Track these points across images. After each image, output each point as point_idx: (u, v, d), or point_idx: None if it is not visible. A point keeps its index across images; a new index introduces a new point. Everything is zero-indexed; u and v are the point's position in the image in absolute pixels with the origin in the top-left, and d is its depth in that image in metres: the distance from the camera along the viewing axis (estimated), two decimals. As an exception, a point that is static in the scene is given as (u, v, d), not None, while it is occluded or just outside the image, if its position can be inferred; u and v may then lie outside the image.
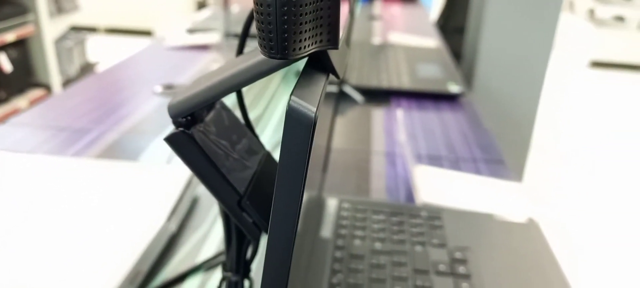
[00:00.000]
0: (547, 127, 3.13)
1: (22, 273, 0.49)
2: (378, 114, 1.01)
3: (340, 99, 1.07)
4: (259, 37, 0.19)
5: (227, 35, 1.48)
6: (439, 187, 0.73)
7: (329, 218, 0.63)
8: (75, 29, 3.51)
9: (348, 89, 1.08)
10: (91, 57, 3.61)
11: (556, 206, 2.29)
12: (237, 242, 0.31)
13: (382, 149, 0.86)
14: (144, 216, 0.59)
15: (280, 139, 0.77)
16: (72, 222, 0.57)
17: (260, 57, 0.21)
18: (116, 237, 0.55)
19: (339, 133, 0.92)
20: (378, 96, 1.10)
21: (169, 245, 0.60)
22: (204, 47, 1.41)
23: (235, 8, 1.73)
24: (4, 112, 2.64)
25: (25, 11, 2.79)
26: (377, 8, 2.13)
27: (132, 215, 0.59)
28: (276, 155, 0.75)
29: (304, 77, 0.21)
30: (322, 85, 0.21)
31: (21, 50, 2.83)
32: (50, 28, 2.99)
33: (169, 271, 0.55)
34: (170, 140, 0.25)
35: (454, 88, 1.10)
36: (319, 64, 0.23)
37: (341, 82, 1.08)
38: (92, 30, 5.04)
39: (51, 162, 0.70)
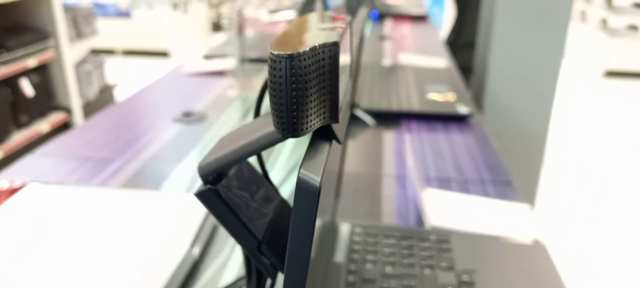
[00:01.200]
0: (559, 144, 3.12)
1: (59, 301, 0.53)
2: (389, 137, 1.04)
3: (352, 122, 1.10)
4: (273, 117, 0.23)
5: (242, 60, 1.53)
6: (447, 210, 0.76)
7: (342, 243, 0.66)
8: (94, 52, 3.61)
9: (359, 113, 1.12)
10: (109, 79, 3.70)
11: (567, 228, 2.28)
12: (257, 277, 0.35)
13: (392, 172, 0.89)
14: (168, 243, 0.63)
15: (292, 169, 0.81)
16: (99, 251, 0.61)
17: (272, 127, 0.25)
18: (142, 264, 0.59)
19: (350, 157, 0.95)
20: (389, 118, 1.13)
21: (191, 271, 0.63)
22: (220, 73, 1.46)
23: (249, 33, 1.79)
24: (27, 136, 2.73)
25: (46, 37, 2.89)
26: (388, 27, 2.17)
27: (157, 243, 0.63)
28: (285, 192, 0.78)
29: (311, 149, 0.25)
30: (326, 153, 0.24)
31: (42, 74, 2.92)
32: (70, 52, 3.08)
33: (192, 296, 0.59)
34: (200, 196, 0.29)
35: (462, 109, 1.12)
36: (324, 134, 0.27)
37: (352, 105, 1.11)
38: (110, 52, 5.16)
39: (79, 193, 0.74)
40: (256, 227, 0.31)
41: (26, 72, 2.77)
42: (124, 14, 5.05)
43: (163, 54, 5.15)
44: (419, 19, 2.37)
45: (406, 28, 2.19)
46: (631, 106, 3.81)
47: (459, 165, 0.91)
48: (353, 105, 1.11)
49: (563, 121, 3.40)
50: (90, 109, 3.30)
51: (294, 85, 0.22)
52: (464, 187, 0.84)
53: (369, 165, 0.92)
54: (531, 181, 1.79)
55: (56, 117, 2.98)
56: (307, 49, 0.23)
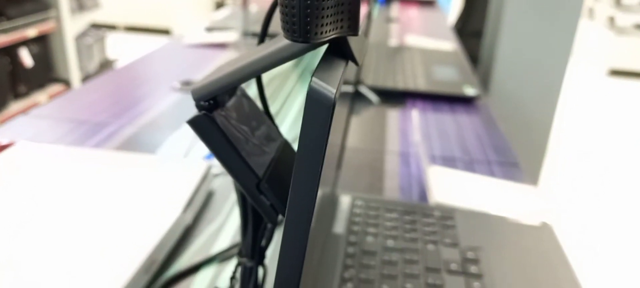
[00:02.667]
0: (564, 133, 3.10)
1: (39, 260, 0.50)
2: (393, 115, 1.01)
3: (356, 99, 1.07)
4: (282, 21, 0.20)
5: (245, 33, 1.49)
6: (452, 188, 0.73)
7: (342, 214, 0.64)
8: (96, 26, 3.57)
9: (364, 90, 1.08)
10: (110, 54, 3.66)
11: (571, 210, 2.27)
12: (253, 228, 0.32)
13: (396, 149, 0.86)
14: (160, 207, 0.60)
15: (297, 135, 0.78)
16: (89, 211, 0.58)
17: (283, 42, 0.22)
18: (133, 226, 0.56)
19: (354, 132, 0.92)
20: (394, 97, 1.10)
21: (184, 237, 0.61)
22: (222, 46, 1.42)
23: (253, 7, 1.75)
24: (25, 106, 2.69)
25: (47, 7, 2.85)
26: (395, 10, 2.13)
27: (149, 206, 0.60)
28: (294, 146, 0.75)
29: (325, 62, 0.22)
30: (342, 70, 0.21)
31: (42, 45, 2.88)
32: (71, 24, 3.04)
33: (183, 261, 0.56)
34: (194, 122, 0.26)
35: (469, 91, 1.09)
36: (339, 51, 0.23)
37: (357, 82, 1.08)
38: (112, 27, 5.11)
39: (70, 153, 0.71)
40: (256, 163, 0.28)
41: (26, 42, 2.73)
42: (128, -10, 4.99)
43: (165, 32, 5.10)
44: (426, 3, 2.33)
45: (413, 12, 2.15)
46: (635, 107, 3.78)
47: (464, 146, 0.88)
48: (358, 82, 1.08)
49: (567, 112, 3.38)
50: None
51: None
52: (470, 166, 0.81)
53: (372, 141, 0.89)
54: (534, 168, 1.76)
55: (55, 89, 2.94)
56: None
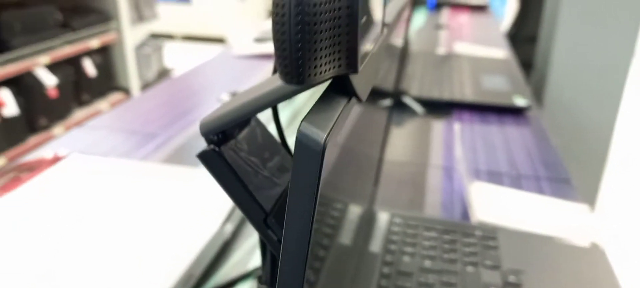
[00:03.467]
0: (626, 146, 2.92)
1: (79, 271, 0.52)
2: (438, 127, 0.99)
3: (400, 110, 1.06)
4: (276, 62, 0.20)
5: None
6: (496, 206, 0.71)
7: (379, 232, 0.63)
8: (154, 36, 3.71)
9: (408, 100, 1.07)
10: (167, 63, 3.80)
11: (631, 233, 2.13)
12: (272, 256, 0.32)
13: (439, 163, 0.84)
14: (200, 221, 0.61)
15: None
16: (130, 224, 0.60)
17: (280, 81, 0.22)
18: (172, 240, 0.58)
19: (396, 145, 0.91)
20: (439, 108, 1.08)
21: (222, 251, 0.62)
22: (270, 56, 1.44)
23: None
24: (87, 114, 2.84)
25: (108, 19, 2.99)
26: (444, 17, 2.09)
27: (189, 220, 0.61)
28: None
29: (322, 102, 0.21)
30: (340, 109, 0.21)
31: (104, 56, 3.03)
32: (131, 35, 3.18)
33: (220, 276, 0.57)
34: (202, 156, 0.27)
35: (519, 101, 1.05)
36: (340, 87, 0.23)
37: (400, 93, 1.07)
38: (169, 37, 5.30)
39: (117, 165, 0.74)
40: (264, 197, 0.28)
41: (89, 53, 2.88)
42: (184, 0, 5.16)
43: (220, 40, 5.23)
44: (479, 9, 2.27)
45: (464, 18, 2.10)
46: None
47: (512, 160, 0.85)
48: (401, 93, 1.07)
49: (630, 123, 3.18)
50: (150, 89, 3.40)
51: (299, 21, 0.19)
52: (517, 182, 0.78)
53: (415, 154, 0.87)
54: (592, 181, 1.67)
55: (115, 97, 3.08)
56: None
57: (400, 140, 0.93)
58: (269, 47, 1.49)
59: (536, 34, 1.87)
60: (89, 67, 2.87)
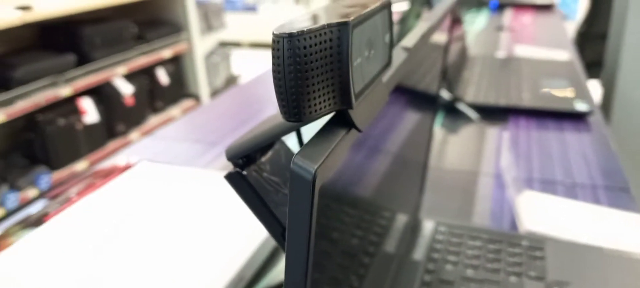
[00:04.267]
0: None
1: (135, 272, 0.58)
2: (493, 133, 0.98)
3: (454, 116, 1.06)
4: (277, 101, 0.23)
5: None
6: (546, 215, 0.70)
7: (423, 240, 0.64)
8: (222, 44, 3.86)
9: (462, 106, 1.06)
10: (235, 70, 3.94)
11: None
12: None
13: (491, 171, 0.84)
14: (252, 224, 0.65)
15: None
16: (188, 226, 0.65)
17: None
18: (224, 243, 0.62)
19: (449, 152, 0.91)
20: (495, 114, 1.06)
21: (273, 254, 0.65)
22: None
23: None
24: (161, 120, 3.01)
25: (179, 30, 3.15)
26: (507, 18, 2.03)
27: (242, 223, 0.66)
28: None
29: (320, 134, 0.23)
30: (336, 141, 0.23)
31: (176, 65, 3.20)
32: (200, 45, 3.33)
33: (270, 278, 0.61)
34: (228, 177, 0.30)
35: (580, 106, 1.02)
36: (340, 119, 0.25)
37: (455, 99, 1.07)
38: (237, 45, 5.49)
39: (179, 172, 0.80)
40: (282, 213, 0.31)
41: (162, 63, 3.05)
42: (251, 8, 5.33)
43: (285, 46, 5.34)
44: (544, 8, 2.19)
45: (528, 18, 2.03)
46: None
47: (568, 168, 0.83)
48: (456, 99, 1.07)
49: None
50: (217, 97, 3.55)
51: (292, 67, 0.21)
52: (571, 191, 0.76)
53: (467, 161, 0.87)
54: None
55: (186, 104, 3.24)
56: (312, 27, 0.22)
57: (453, 147, 0.93)
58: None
59: (607, 31, 1.78)
60: (162, 76, 3.04)
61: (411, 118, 0.55)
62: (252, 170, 0.30)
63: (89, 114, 2.47)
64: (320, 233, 0.27)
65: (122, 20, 2.73)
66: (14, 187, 2.10)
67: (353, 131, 0.25)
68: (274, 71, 0.22)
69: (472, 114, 1.05)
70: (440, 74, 0.66)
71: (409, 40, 0.39)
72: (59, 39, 2.48)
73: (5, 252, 0.60)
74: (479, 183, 0.80)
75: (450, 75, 1.08)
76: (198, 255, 0.60)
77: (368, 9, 0.25)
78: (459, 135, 0.99)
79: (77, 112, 2.41)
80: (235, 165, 0.30)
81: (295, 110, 0.22)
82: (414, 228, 0.66)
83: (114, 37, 2.64)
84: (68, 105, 2.38)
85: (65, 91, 2.31)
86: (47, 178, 2.21)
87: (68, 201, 0.73)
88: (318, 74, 0.22)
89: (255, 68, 4.70)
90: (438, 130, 1.00)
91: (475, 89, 1.15)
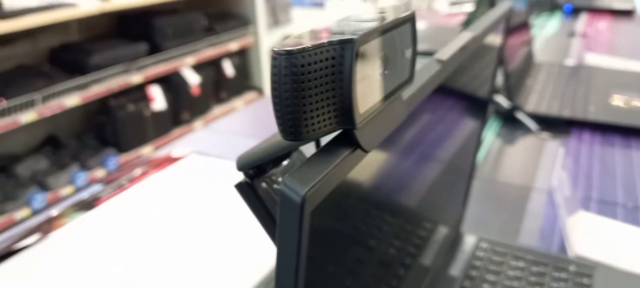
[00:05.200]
0: None
1: (170, 268, 0.59)
2: (552, 147, 0.93)
3: (512, 126, 1.01)
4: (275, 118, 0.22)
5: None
6: (599, 239, 0.65)
7: (462, 255, 0.62)
8: (287, 38, 3.90)
9: (521, 116, 1.01)
10: (298, 65, 3.97)
11: None
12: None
13: (546, 187, 0.79)
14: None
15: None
16: (222, 224, 0.66)
17: None
18: (260, 243, 0.63)
19: (502, 163, 0.87)
20: (557, 126, 1.00)
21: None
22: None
23: (422, 25, 1.75)
24: (224, 110, 3.09)
25: (247, 24, 3.22)
26: (581, 23, 1.91)
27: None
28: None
29: (320, 153, 0.22)
30: (336, 162, 0.22)
31: (242, 58, 3.27)
32: (266, 39, 3.39)
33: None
34: (237, 187, 0.30)
35: (653, 123, 0.95)
36: (345, 138, 0.24)
37: (514, 107, 1.02)
38: (303, 39, 5.53)
39: (226, 166, 0.82)
40: None
41: (229, 55, 3.13)
42: (318, 4, 5.35)
43: (351, 43, 5.33)
44: (623, 14, 2.04)
45: (604, 24, 1.90)
46: None
47: (632, 189, 0.77)
48: (515, 107, 1.02)
49: None
50: (279, 90, 3.59)
51: (288, 85, 0.21)
52: (633, 215, 0.71)
53: (520, 174, 0.83)
54: None
55: (250, 96, 3.31)
56: (312, 45, 0.21)
57: (508, 159, 0.89)
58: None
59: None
60: (228, 68, 3.12)
61: (455, 125, 0.53)
62: (261, 181, 0.30)
63: (157, 101, 2.57)
64: (346, 243, 0.26)
65: (193, 12, 2.82)
66: (84, 167, 2.24)
67: (359, 151, 0.24)
68: (272, 88, 0.21)
69: (531, 124, 1.00)
70: (491, 80, 0.63)
71: (445, 52, 0.38)
72: (134, 29, 2.60)
73: (57, 232, 0.64)
74: (530, 199, 0.76)
75: (511, 82, 1.03)
76: (230, 253, 0.61)
77: (381, 24, 0.24)
78: (515, 146, 0.94)
79: (146, 99, 2.52)
80: (246, 175, 0.30)
81: (291, 128, 0.21)
82: (454, 242, 0.63)
83: (185, 29, 2.74)
84: (138, 92, 2.50)
85: (136, 78, 2.42)
86: (114, 160, 2.33)
87: (120, 188, 0.77)
88: (317, 92, 0.21)
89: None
90: (493, 139, 0.96)
91: (537, 98, 1.09)
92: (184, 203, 0.72)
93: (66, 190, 2.14)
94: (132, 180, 0.80)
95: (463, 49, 0.40)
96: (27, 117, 1.94)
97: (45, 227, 0.65)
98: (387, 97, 0.26)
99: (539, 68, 1.31)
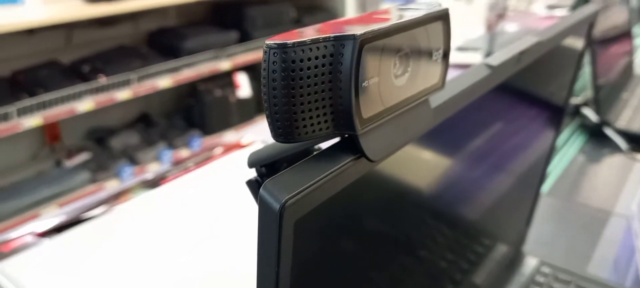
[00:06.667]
0: None
1: (219, 248, 0.60)
2: (642, 169, 0.84)
3: (599, 142, 0.93)
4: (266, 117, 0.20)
5: (488, 55, 1.43)
6: (684, 280, 0.58)
7: (519, 278, 0.57)
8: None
9: (610, 132, 0.93)
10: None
11: None
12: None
13: (627, 213, 0.72)
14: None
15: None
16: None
17: None
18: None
19: (582, 182, 0.80)
20: (652, 146, 0.91)
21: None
22: (466, 66, 1.40)
23: (512, 27, 1.65)
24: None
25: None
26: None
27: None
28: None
29: (316, 158, 0.21)
30: (330, 169, 0.20)
31: (328, 50, 3.29)
32: (353, 33, 3.38)
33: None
34: (248, 183, 0.29)
35: None
36: (348, 144, 0.22)
37: (603, 122, 0.93)
38: (393, 35, 5.46)
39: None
40: None
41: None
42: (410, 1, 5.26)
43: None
44: None
45: None
46: None
47: None
48: (604, 122, 0.93)
49: None
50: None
51: (278, 82, 0.19)
52: None
53: (601, 196, 0.76)
54: None
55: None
56: (309, 39, 0.19)
57: (590, 178, 0.82)
58: (467, 57, 1.44)
59: None
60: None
61: (519, 135, 0.49)
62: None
63: (242, 88, 2.66)
64: (348, 265, 0.24)
65: (284, 3, 2.88)
66: (171, 145, 2.36)
67: (364, 160, 0.22)
68: (263, 84, 0.20)
69: (621, 142, 0.91)
70: (569, 88, 0.58)
71: (498, 57, 0.35)
72: (227, 17, 2.70)
73: (120, 206, 0.68)
74: (608, 224, 0.70)
75: (602, 94, 0.95)
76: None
77: (401, 21, 0.22)
78: (600, 164, 0.86)
79: (232, 85, 2.61)
80: (258, 172, 0.29)
81: (280, 129, 0.20)
82: (512, 262, 0.59)
83: (274, 19, 2.80)
84: (226, 78, 2.59)
85: (225, 65, 2.51)
86: (199, 142, 2.44)
87: (186, 169, 0.80)
88: (312, 91, 0.20)
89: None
90: (576, 155, 0.89)
91: (631, 114, 0.99)
92: (237, 190, 0.73)
93: (153, 166, 2.27)
94: (198, 164, 0.83)
95: (523, 53, 0.37)
96: (123, 94, 2.08)
97: (112, 201, 0.69)
98: (405, 103, 0.24)
99: (638, 81, 1.19)
